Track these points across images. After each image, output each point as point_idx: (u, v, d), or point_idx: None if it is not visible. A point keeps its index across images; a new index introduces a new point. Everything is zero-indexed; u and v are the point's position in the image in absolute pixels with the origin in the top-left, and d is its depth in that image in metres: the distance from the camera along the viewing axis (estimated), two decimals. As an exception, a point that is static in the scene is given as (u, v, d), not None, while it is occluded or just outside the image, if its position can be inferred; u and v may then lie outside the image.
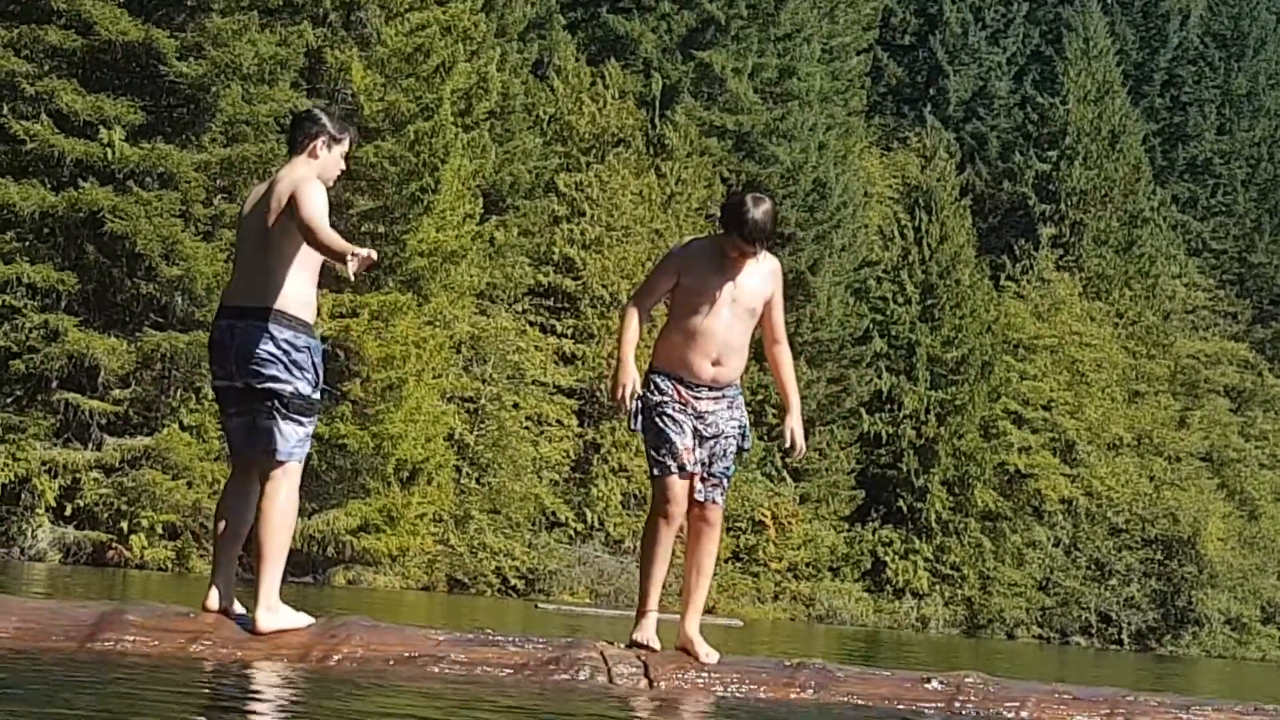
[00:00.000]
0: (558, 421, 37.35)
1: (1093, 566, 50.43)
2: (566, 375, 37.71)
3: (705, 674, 6.40)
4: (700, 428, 6.38)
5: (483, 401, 35.65)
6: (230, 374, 6.14)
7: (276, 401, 6.08)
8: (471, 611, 20.28)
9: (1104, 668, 22.27)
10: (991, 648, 29.93)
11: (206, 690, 5.17)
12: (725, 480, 6.49)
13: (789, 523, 41.96)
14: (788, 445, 6.60)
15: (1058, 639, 48.33)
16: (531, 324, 37.90)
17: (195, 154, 27.73)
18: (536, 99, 40.05)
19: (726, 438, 6.44)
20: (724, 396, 6.45)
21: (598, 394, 38.23)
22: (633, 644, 6.44)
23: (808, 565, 42.73)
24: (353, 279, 5.96)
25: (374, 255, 5.83)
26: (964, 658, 19.39)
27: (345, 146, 6.35)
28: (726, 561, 38.62)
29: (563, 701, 5.76)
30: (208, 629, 6.10)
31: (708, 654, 6.41)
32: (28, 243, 27.07)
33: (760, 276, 6.46)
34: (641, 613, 6.48)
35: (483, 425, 35.60)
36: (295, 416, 6.11)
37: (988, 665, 15.97)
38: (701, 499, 6.43)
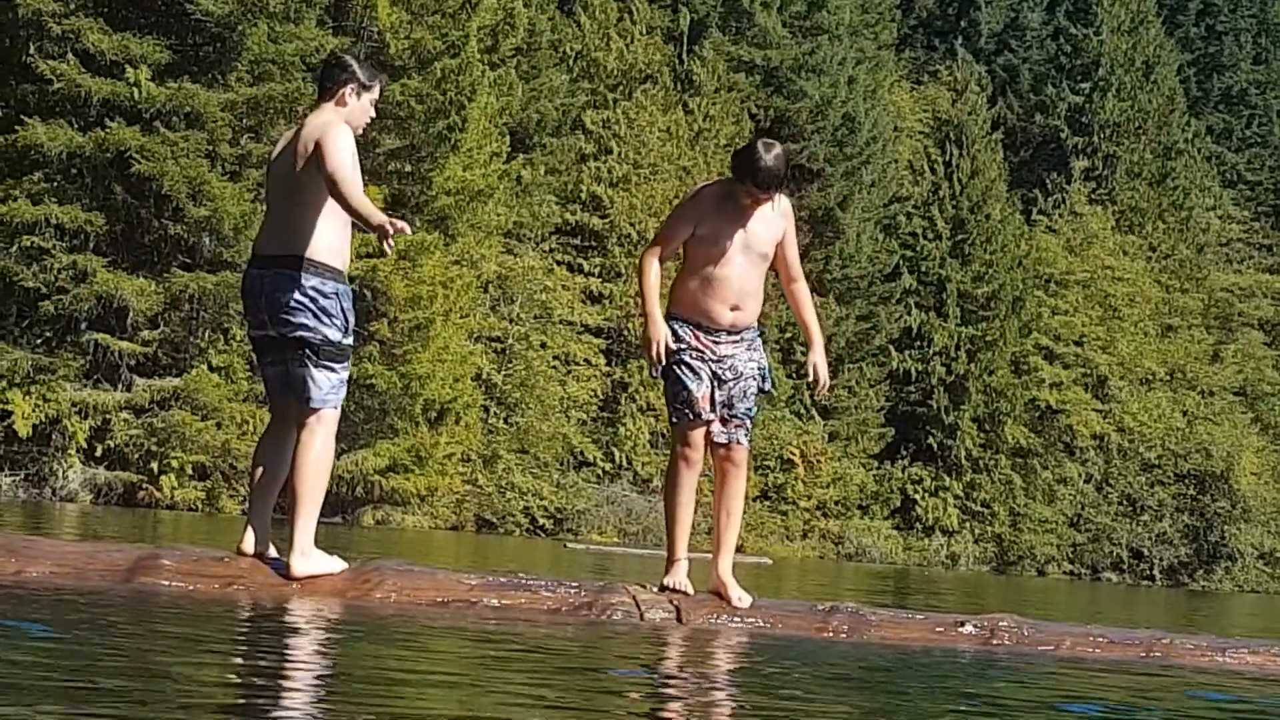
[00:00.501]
0: (585, 361, 37.32)
1: (1124, 502, 50.30)
2: (594, 314, 37.64)
3: (738, 618, 6.36)
4: (720, 371, 6.43)
5: (510, 341, 35.62)
6: (263, 323, 6.13)
7: (307, 350, 6.06)
8: (500, 551, 20.32)
9: (1136, 604, 22.20)
10: (1022, 585, 29.90)
11: (242, 633, 5.13)
12: (748, 420, 6.53)
13: (818, 461, 41.93)
14: (812, 380, 6.64)
15: (1089, 575, 48.30)
16: (559, 263, 37.80)
17: (221, 93, 27.64)
18: (563, 35, 39.75)
19: (747, 379, 6.48)
20: (742, 340, 6.51)
21: (625, 333, 38.16)
22: (664, 589, 6.45)
23: (837, 503, 42.72)
24: (389, 253, 5.98)
25: (407, 229, 5.84)
26: (994, 596, 19.34)
27: (375, 94, 6.31)
28: (755, 500, 38.64)
29: (595, 640, 5.72)
30: (242, 573, 6.08)
31: (740, 597, 6.43)
32: (55, 183, 27.06)
33: (772, 220, 6.49)
34: (672, 560, 6.50)
35: (510, 365, 35.59)
36: (326, 364, 6.09)
37: (1018, 603, 15.91)
38: (725, 440, 6.47)
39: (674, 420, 6.45)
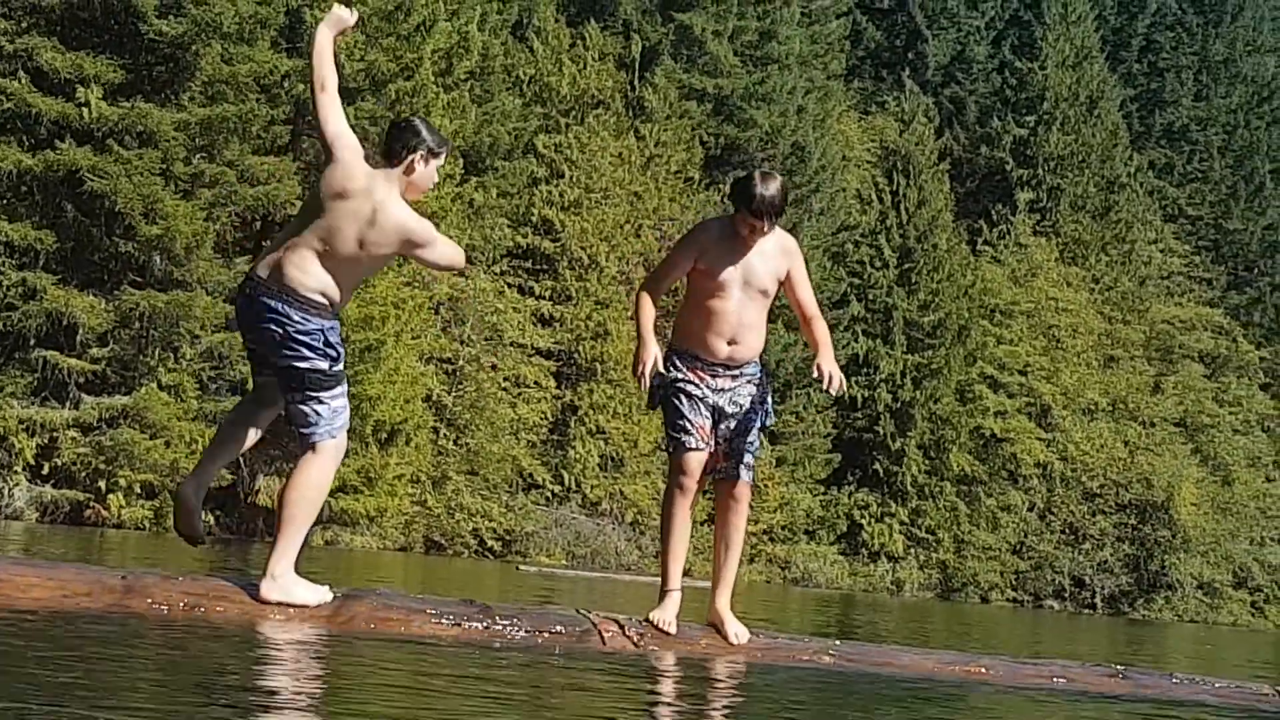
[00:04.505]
0: (535, 383, 37.36)
1: (1067, 531, 50.77)
2: (545, 337, 37.71)
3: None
4: (719, 403, 6.35)
5: (461, 363, 35.64)
6: (260, 342, 6.13)
7: (302, 380, 6.09)
8: (449, 573, 20.34)
9: (1077, 632, 22.47)
10: (965, 612, 30.16)
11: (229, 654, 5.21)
12: (749, 455, 6.41)
13: (765, 486, 42.10)
14: (826, 384, 6.37)
15: (1031, 603, 48.69)
16: (510, 285, 37.87)
17: (175, 113, 27.59)
18: (516, 60, 39.90)
19: (747, 413, 6.39)
20: (742, 374, 6.42)
21: (575, 356, 38.27)
22: (648, 622, 6.32)
23: (783, 528, 42.91)
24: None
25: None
26: (938, 622, 19.54)
27: (441, 160, 6.32)
28: (703, 524, 38.64)
29: (566, 667, 5.79)
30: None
31: (737, 633, 6.33)
32: (5, 201, 26.93)
33: (771, 256, 6.43)
34: (664, 592, 6.38)
35: (461, 387, 35.61)
36: (314, 394, 6.10)
37: (961, 630, 16.10)
38: (727, 475, 6.39)
39: (670, 449, 6.35)
